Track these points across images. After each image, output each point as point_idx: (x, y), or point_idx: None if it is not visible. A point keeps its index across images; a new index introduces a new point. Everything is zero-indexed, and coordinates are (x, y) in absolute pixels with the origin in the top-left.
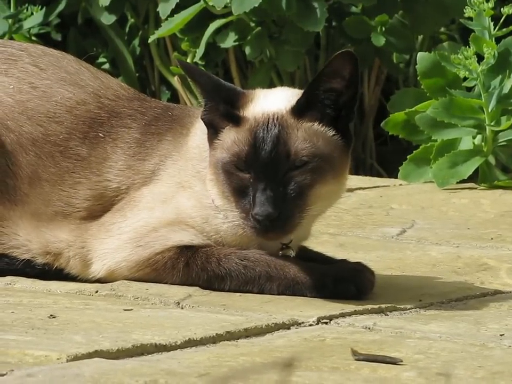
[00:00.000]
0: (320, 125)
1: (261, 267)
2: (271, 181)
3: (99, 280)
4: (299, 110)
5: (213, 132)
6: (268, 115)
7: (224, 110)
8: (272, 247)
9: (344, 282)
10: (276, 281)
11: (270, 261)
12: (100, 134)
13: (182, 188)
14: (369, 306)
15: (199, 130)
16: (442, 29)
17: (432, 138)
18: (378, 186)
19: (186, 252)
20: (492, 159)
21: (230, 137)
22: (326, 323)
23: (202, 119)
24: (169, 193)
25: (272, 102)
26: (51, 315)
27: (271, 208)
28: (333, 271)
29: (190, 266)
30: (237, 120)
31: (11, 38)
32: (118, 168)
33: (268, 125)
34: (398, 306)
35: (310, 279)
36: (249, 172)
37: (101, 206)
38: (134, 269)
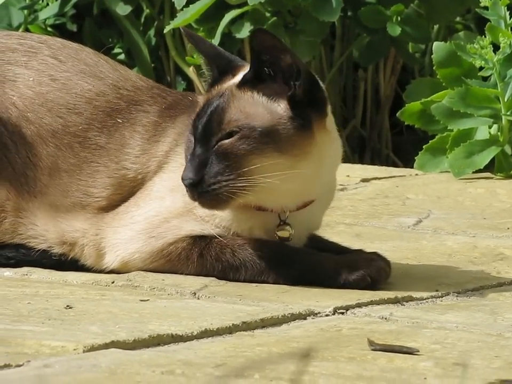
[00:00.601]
0: (264, 97)
1: (275, 257)
2: (202, 148)
3: (114, 271)
4: (244, 83)
5: None
6: (227, 86)
7: (214, 77)
8: (269, 225)
9: (358, 272)
10: (290, 271)
11: (285, 251)
12: (119, 120)
13: None
14: (385, 296)
15: None
16: (458, 19)
17: (448, 128)
18: (394, 176)
19: (200, 242)
20: (508, 149)
21: (200, 101)
22: (343, 313)
23: (205, 89)
24: (178, 179)
25: (242, 75)
26: (67, 306)
27: (192, 173)
28: (346, 261)
29: (204, 257)
30: (212, 86)
31: (26, 29)
32: (135, 155)
33: (218, 95)
34: (414, 296)
35: (324, 268)
36: (194, 138)
37: (120, 196)
38: (148, 260)
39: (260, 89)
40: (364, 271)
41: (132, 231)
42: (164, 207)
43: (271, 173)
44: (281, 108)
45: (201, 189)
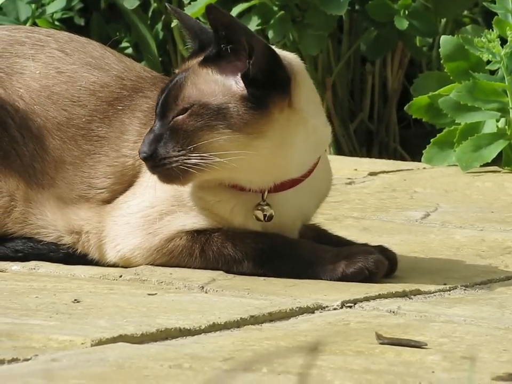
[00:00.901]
0: (219, 75)
1: (276, 250)
2: (159, 122)
3: (118, 265)
4: (204, 60)
5: None
6: (193, 63)
7: (193, 51)
8: (250, 206)
9: (355, 265)
10: (291, 263)
11: (285, 244)
12: (119, 107)
13: None
14: (393, 290)
15: None
16: (465, 12)
17: (456, 121)
18: (401, 170)
19: (200, 237)
20: None
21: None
22: (350, 307)
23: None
24: None
25: None
26: (75, 300)
27: (146, 147)
28: (345, 254)
29: (206, 252)
30: (186, 60)
31: (34, 23)
32: (133, 140)
33: (183, 70)
34: (422, 290)
35: (322, 261)
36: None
37: (122, 186)
38: (150, 258)
39: (218, 66)
40: (361, 264)
41: (129, 225)
42: (156, 196)
43: (224, 150)
44: (236, 85)
45: (153, 163)
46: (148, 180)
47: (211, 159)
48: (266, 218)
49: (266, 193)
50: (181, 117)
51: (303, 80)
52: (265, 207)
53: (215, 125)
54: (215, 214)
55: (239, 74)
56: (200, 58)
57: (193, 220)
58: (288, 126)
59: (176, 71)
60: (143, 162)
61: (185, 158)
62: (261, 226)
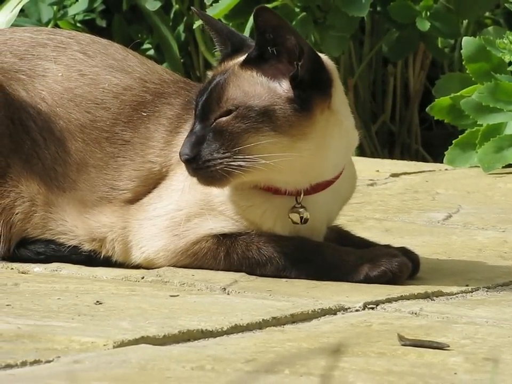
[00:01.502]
0: (264, 77)
1: (299, 253)
2: (200, 124)
3: (142, 267)
4: (246, 62)
5: None
6: (231, 64)
7: (225, 55)
8: (283, 209)
9: (379, 268)
10: (313, 266)
11: (308, 247)
12: (144, 114)
13: None
14: (415, 291)
15: None
16: (487, 14)
17: (478, 123)
18: (423, 171)
19: (225, 241)
20: None
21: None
22: (372, 308)
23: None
24: None
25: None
26: (97, 301)
27: (188, 149)
28: (368, 256)
29: (230, 255)
30: (220, 63)
31: (56, 25)
32: (160, 147)
33: (221, 72)
34: (444, 291)
35: (346, 264)
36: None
37: (145, 188)
38: (173, 259)
39: (261, 69)
40: (385, 267)
41: (155, 227)
42: (185, 199)
43: (269, 152)
44: (281, 87)
45: (196, 165)
46: (175, 183)
47: (255, 161)
48: (302, 220)
49: (302, 195)
50: (224, 118)
51: (337, 81)
52: (301, 210)
53: (260, 127)
54: (246, 218)
55: (284, 76)
56: (237, 60)
57: (222, 224)
58: (327, 128)
59: (210, 73)
60: (184, 163)
61: (229, 160)
62: (289, 231)
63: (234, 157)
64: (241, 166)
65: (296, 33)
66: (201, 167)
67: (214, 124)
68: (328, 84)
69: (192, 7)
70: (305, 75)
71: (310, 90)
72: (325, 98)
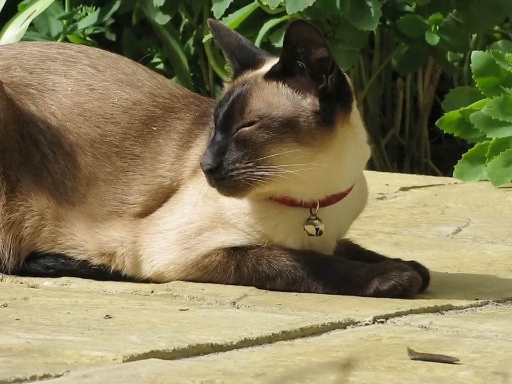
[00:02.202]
0: (289, 89)
1: (309, 267)
2: (222, 134)
3: (152, 280)
4: (271, 74)
5: None
6: (250, 76)
7: (235, 68)
8: (297, 221)
9: (389, 282)
10: (323, 280)
11: (318, 261)
12: (154, 128)
13: None
14: (425, 305)
15: None
16: (496, 27)
17: (487, 136)
18: (433, 185)
19: (236, 254)
20: None
21: (223, 91)
22: (382, 322)
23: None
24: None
25: (268, 66)
26: (107, 315)
27: (211, 159)
28: (378, 270)
29: (241, 269)
30: (235, 77)
31: (66, 39)
32: (170, 162)
33: (241, 83)
34: (454, 305)
35: (355, 277)
36: (214, 125)
37: (155, 202)
38: (183, 273)
39: (286, 81)
40: (395, 281)
41: (166, 241)
42: (196, 213)
43: (291, 163)
44: (306, 100)
45: (219, 175)
46: (187, 197)
47: (278, 171)
48: (318, 232)
49: (318, 207)
50: (247, 128)
51: (354, 95)
52: (316, 221)
53: (284, 138)
54: (258, 231)
55: (310, 89)
56: (256, 72)
57: (233, 237)
58: (345, 140)
59: (226, 86)
60: (205, 173)
61: (252, 170)
62: (300, 244)
63: (257, 167)
64: (263, 176)
65: (328, 46)
66: (223, 177)
67: (237, 133)
68: (349, 98)
69: (209, 20)
70: (332, 88)
71: (334, 104)
72: (346, 112)
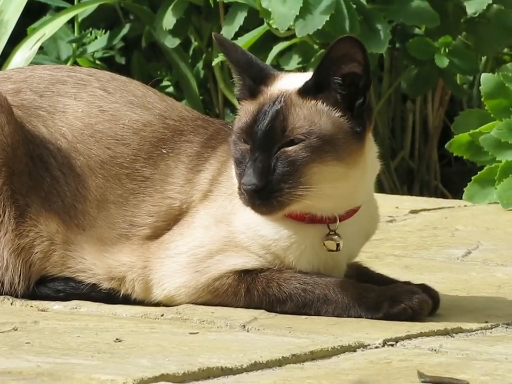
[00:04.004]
0: (326, 106)
1: (319, 290)
2: (263, 153)
3: (162, 304)
4: (305, 91)
5: None
6: (279, 92)
7: (248, 85)
8: (310, 240)
9: (399, 305)
10: (333, 303)
11: (328, 284)
12: (163, 151)
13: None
14: (435, 328)
15: None
16: (505, 50)
17: (497, 159)
18: (443, 208)
19: (246, 277)
20: None
21: (244, 109)
22: (392, 345)
23: (236, 97)
24: (222, 209)
25: (290, 82)
26: (117, 339)
27: (256, 179)
28: (389, 293)
29: (251, 292)
30: (253, 94)
31: (75, 62)
32: (180, 184)
33: (274, 101)
34: (463, 328)
35: (366, 301)
36: (248, 143)
37: (165, 224)
38: (194, 296)
39: (321, 97)
40: (405, 304)
41: (176, 264)
42: (208, 236)
43: (328, 181)
44: (344, 117)
45: (264, 196)
46: (198, 221)
47: (315, 190)
48: (338, 248)
49: (338, 221)
50: (290, 148)
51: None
52: (335, 237)
53: (324, 156)
54: (271, 253)
55: (344, 105)
56: (283, 88)
57: (245, 260)
58: (367, 154)
59: (244, 103)
60: (248, 193)
61: (294, 190)
62: (312, 265)
63: (299, 186)
64: (301, 195)
65: (366, 61)
66: (268, 197)
67: (279, 153)
68: (372, 112)
69: (212, 34)
70: (367, 104)
71: (365, 119)
72: (370, 125)
